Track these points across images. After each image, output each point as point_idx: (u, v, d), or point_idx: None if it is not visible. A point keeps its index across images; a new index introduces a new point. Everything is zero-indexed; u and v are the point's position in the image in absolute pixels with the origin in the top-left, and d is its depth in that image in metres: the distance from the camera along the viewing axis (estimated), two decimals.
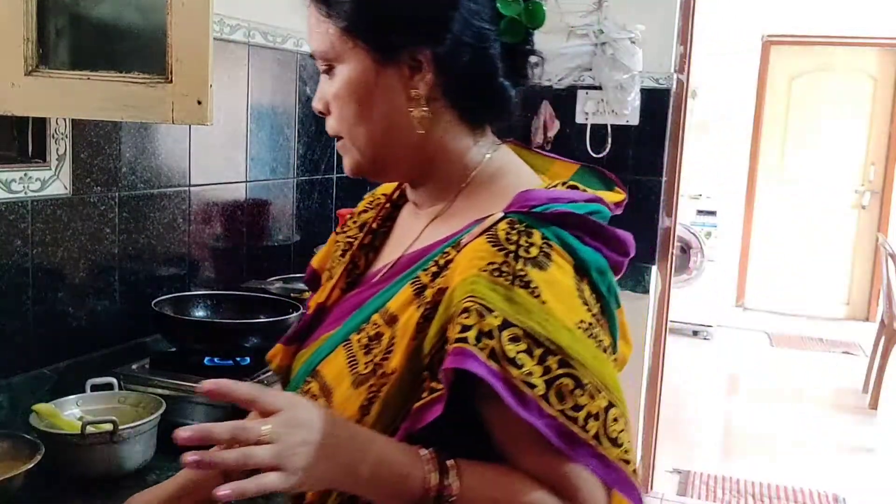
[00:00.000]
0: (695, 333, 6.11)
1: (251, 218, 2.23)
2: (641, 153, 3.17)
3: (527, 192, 0.90)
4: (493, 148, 0.98)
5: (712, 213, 6.10)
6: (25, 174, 1.53)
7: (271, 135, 2.30)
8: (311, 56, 0.98)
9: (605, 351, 0.84)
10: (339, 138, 0.98)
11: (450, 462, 0.82)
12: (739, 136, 6.65)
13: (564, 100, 3.21)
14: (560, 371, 0.80)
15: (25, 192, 1.53)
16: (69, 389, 1.54)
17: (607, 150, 3.18)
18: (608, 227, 0.90)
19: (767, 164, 6.81)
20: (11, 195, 1.51)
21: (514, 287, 0.81)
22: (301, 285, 2.16)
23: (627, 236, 0.93)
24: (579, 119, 3.21)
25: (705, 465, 3.92)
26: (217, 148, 2.07)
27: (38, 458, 1.28)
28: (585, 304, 0.85)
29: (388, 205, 1.09)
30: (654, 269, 3.26)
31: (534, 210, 0.86)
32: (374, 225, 1.08)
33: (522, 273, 0.82)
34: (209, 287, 2.04)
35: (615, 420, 0.82)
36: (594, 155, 3.19)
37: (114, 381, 1.57)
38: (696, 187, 6.15)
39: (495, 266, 0.82)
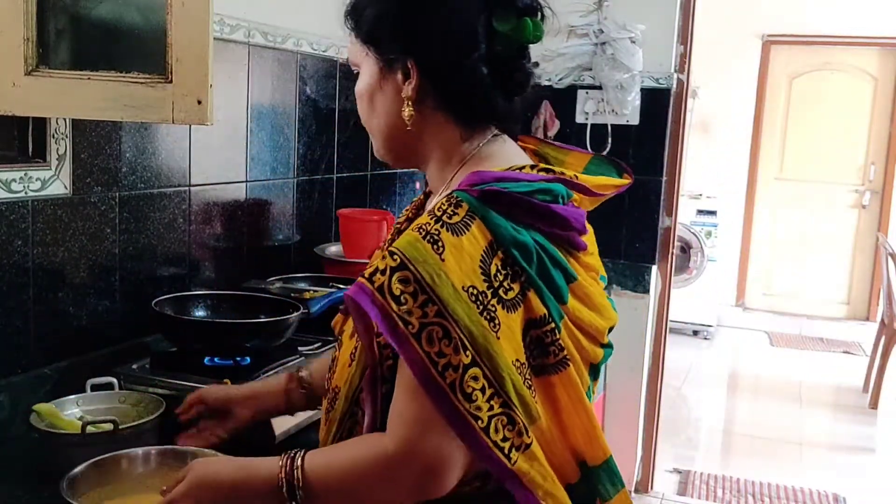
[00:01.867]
0: (695, 333, 6.12)
1: (251, 218, 2.23)
2: (641, 153, 3.17)
3: (477, 172, 1.04)
4: (488, 140, 1.12)
5: (712, 212, 6.11)
6: (26, 174, 1.53)
7: (271, 135, 2.29)
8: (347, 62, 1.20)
9: (491, 321, 0.95)
10: None
11: (299, 458, 1.01)
12: (739, 136, 6.65)
13: (564, 99, 3.22)
14: (434, 319, 0.93)
15: (26, 192, 1.53)
16: (69, 389, 1.54)
17: (607, 149, 3.18)
18: (543, 204, 1.02)
19: (767, 164, 6.81)
20: (12, 195, 1.51)
21: (423, 240, 0.95)
22: (301, 285, 2.15)
23: (571, 213, 1.06)
24: (579, 119, 3.21)
25: (705, 465, 3.92)
26: (217, 148, 2.07)
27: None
28: (486, 275, 0.96)
29: (422, 195, 1.27)
30: (655, 268, 3.26)
31: (472, 187, 1.00)
32: (411, 213, 1.27)
33: (436, 232, 0.96)
34: (209, 287, 2.04)
35: (473, 378, 0.93)
36: None
37: (114, 380, 1.57)
38: (696, 187, 6.16)
39: (420, 225, 0.98)
